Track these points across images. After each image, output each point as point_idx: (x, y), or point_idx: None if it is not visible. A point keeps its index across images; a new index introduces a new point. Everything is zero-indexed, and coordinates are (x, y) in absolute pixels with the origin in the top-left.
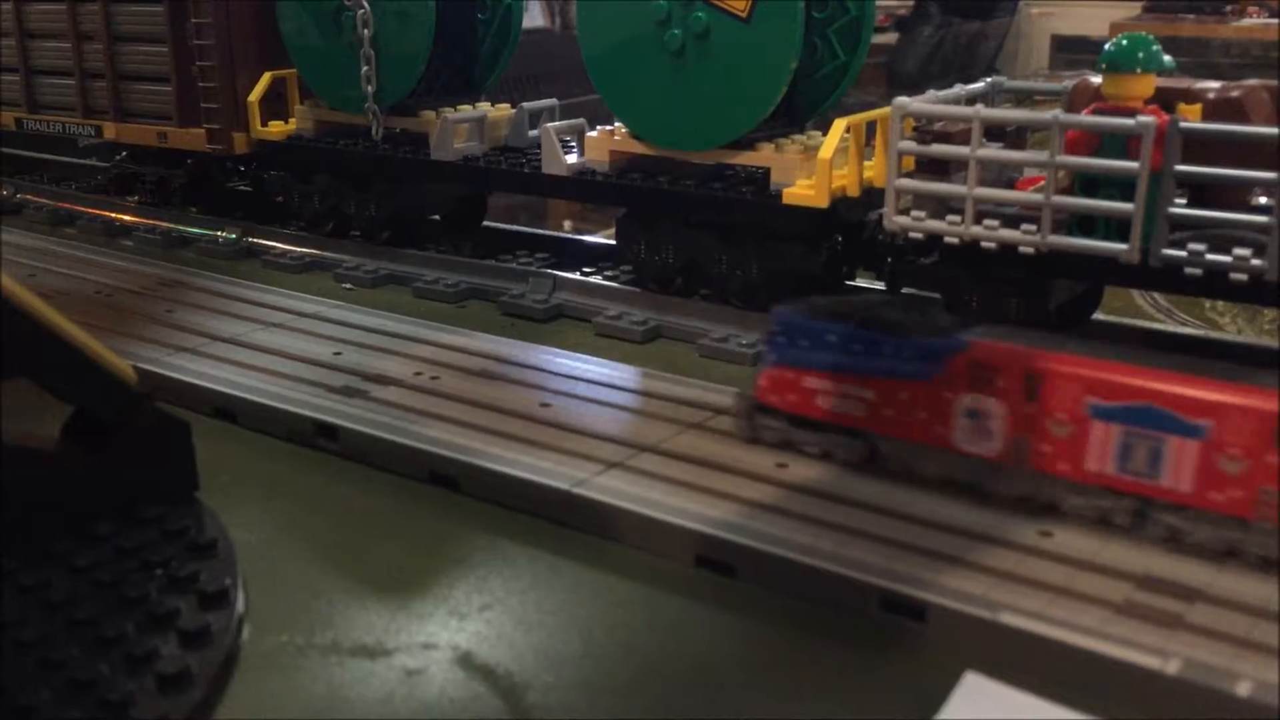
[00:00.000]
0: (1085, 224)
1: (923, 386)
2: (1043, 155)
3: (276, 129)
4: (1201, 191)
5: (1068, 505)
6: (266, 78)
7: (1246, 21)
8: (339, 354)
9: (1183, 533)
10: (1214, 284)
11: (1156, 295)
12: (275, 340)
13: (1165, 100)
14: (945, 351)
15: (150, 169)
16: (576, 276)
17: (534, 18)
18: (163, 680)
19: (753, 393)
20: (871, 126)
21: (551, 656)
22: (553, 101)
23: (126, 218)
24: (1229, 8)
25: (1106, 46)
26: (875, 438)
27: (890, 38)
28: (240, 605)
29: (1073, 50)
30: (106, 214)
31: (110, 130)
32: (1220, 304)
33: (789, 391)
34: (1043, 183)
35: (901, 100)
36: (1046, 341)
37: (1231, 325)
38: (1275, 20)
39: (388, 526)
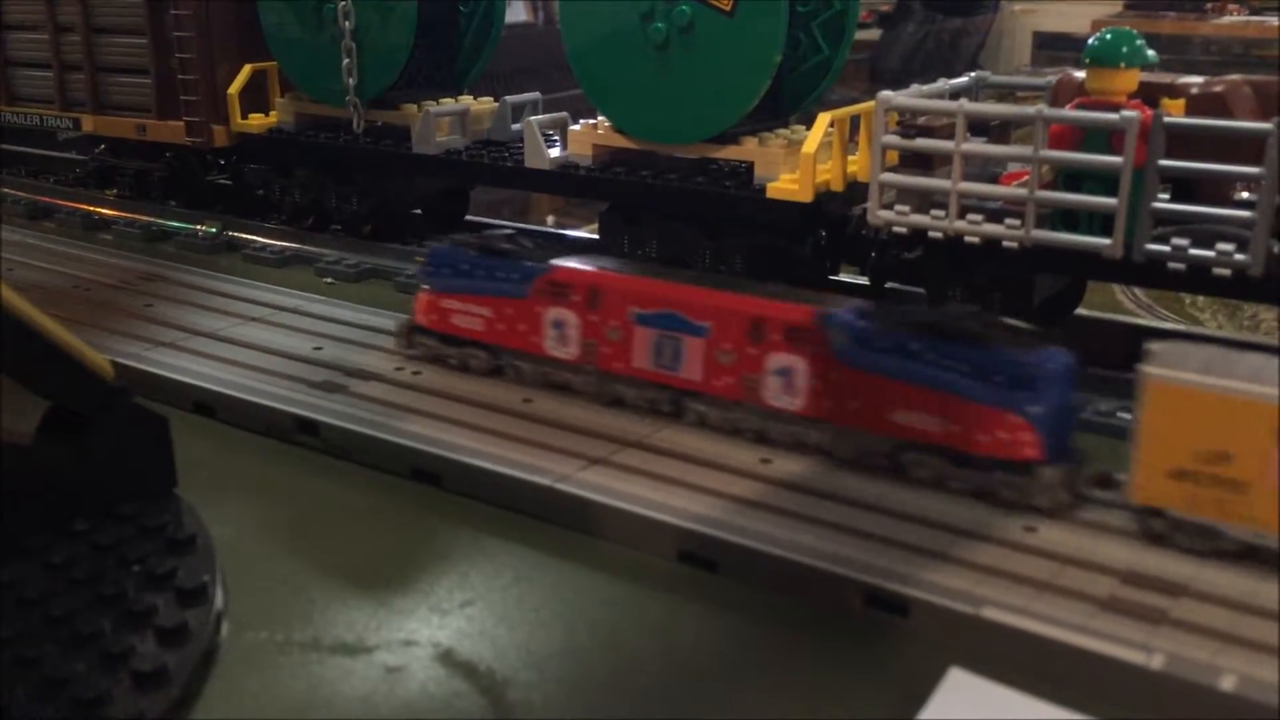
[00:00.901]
0: (1069, 219)
1: (521, 303)
2: (1026, 150)
3: (257, 122)
4: (1185, 186)
5: (628, 399)
6: (247, 70)
7: (1226, 19)
8: (320, 349)
9: (705, 416)
10: (1197, 279)
11: (1138, 291)
12: (255, 335)
13: (1149, 95)
14: (534, 273)
15: (129, 162)
16: None
17: (516, 13)
18: (139, 678)
19: (411, 316)
20: (856, 121)
21: (533, 653)
22: (536, 95)
23: (105, 211)
24: (1209, 5)
25: (1090, 41)
26: (494, 349)
27: (873, 34)
28: (219, 602)
29: (1054, 48)
30: (85, 207)
31: (89, 123)
32: (1201, 300)
33: (434, 313)
34: (1026, 178)
35: (886, 94)
36: (617, 265)
37: (1212, 321)
38: (1254, 18)
39: (368, 523)
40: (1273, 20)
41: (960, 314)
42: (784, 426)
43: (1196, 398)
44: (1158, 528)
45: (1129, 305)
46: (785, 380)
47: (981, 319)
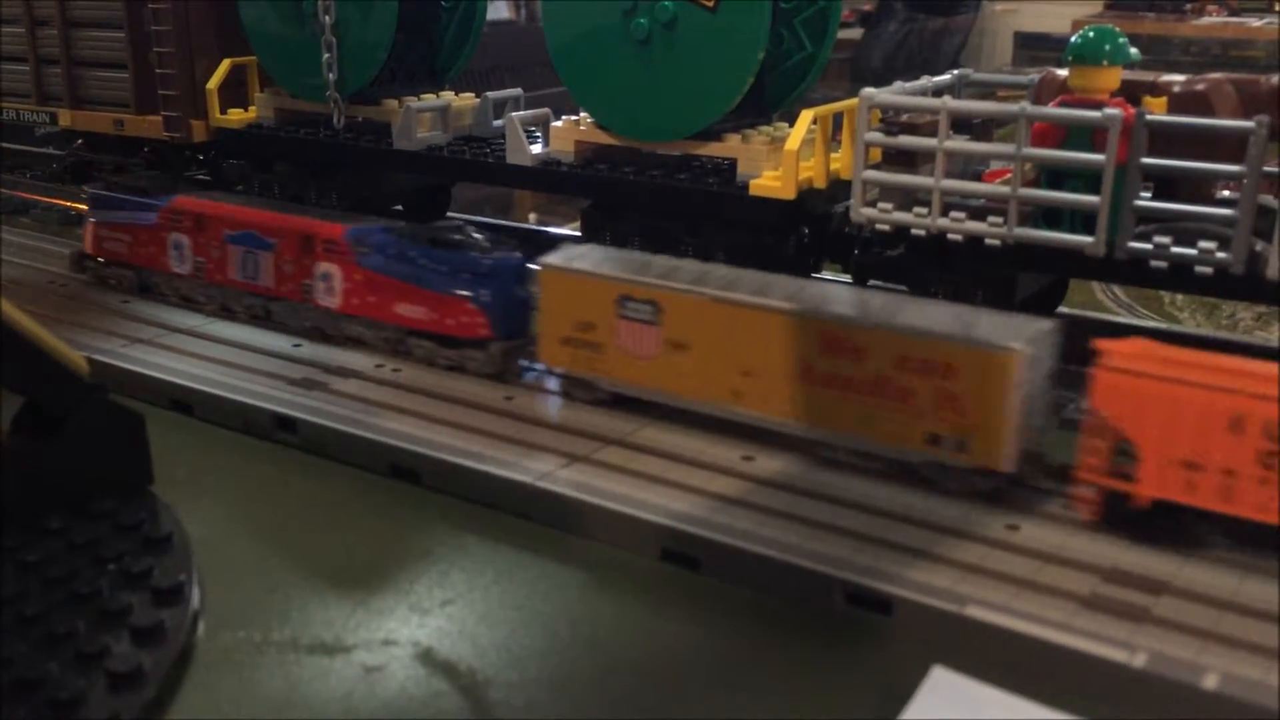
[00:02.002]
0: (1051, 217)
1: (151, 229)
2: (1009, 148)
3: (236, 117)
4: (1167, 185)
5: (238, 307)
6: (226, 65)
7: (1206, 20)
8: (298, 345)
9: (274, 313)
10: (1179, 277)
11: (1118, 290)
12: (233, 331)
13: (1131, 93)
14: (161, 204)
15: (107, 157)
16: None
17: (498, 10)
18: (114, 678)
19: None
20: (838, 118)
21: (514, 652)
22: (518, 91)
23: (82, 207)
24: (1189, 6)
25: (1073, 39)
26: (136, 268)
27: (855, 33)
28: (195, 601)
29: (1035, 47)
30: (62, 202)
31: (66, 117)
32: (1180, 299)
33: (96, 241)
34: (1009, 175)
35: (869, 91)
36: (225, 198)
37: (1190, 320)
38: (1233, 19)
39: (347, 521)
40: (1252, 21)
41: (445, 227)
42: (333, 321)
43: (570, 281)
44: (566, 388)
45: (1110, 305)
46: (327, 283)
47: (463, 231)
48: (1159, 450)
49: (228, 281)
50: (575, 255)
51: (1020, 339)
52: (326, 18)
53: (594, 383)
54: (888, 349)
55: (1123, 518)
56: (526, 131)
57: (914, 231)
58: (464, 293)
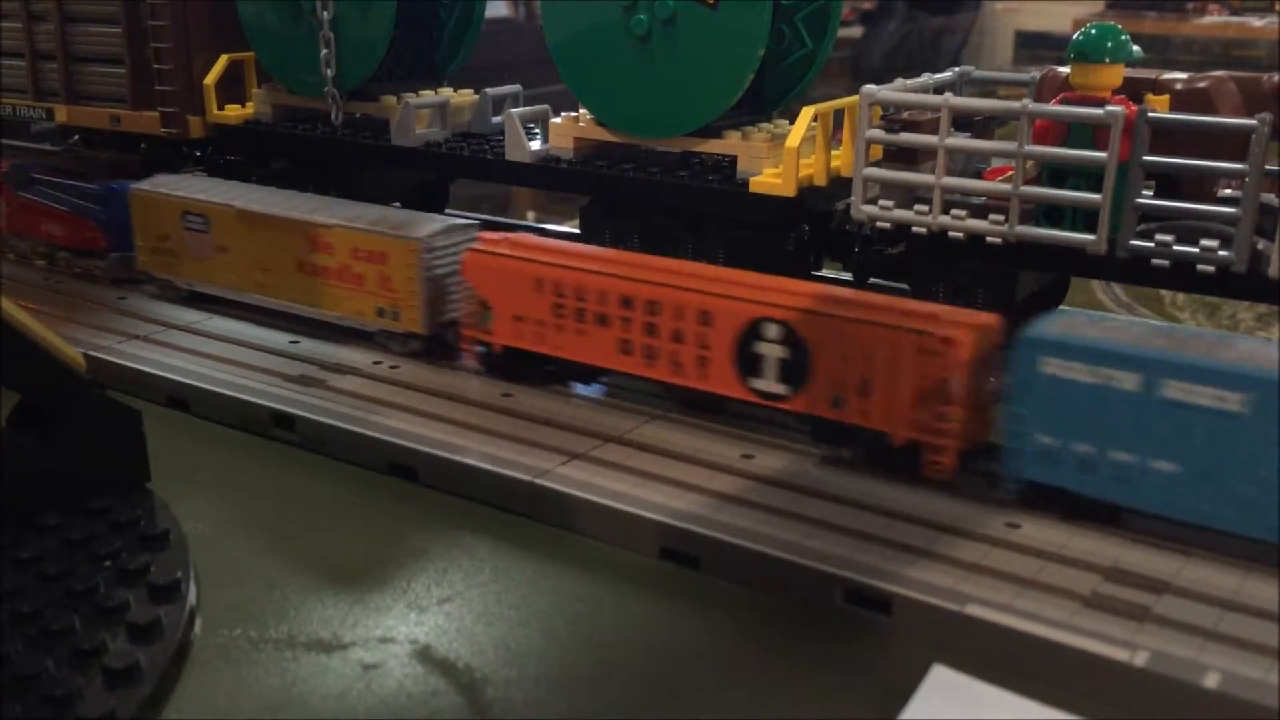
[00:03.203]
0: (1053, 214)
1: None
2: (1011, 145)
3: (233, 113)
4: (1169, 183)
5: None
6: (223, 60)
7: (1207, 20)
8: (296, 342)
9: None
10: (1181, 276)
11: (1118, 290)
12: (230, 328)
13: (1133, 91)
14: None
15: (103, 153)
16: None
17: (497, 9)
18: (111, 675)
19: None
20: (839, 115)
21: (512, 650)
22: (517, 88)
23: None
24: (1190, 5)
25: (1076, 36)
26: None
27: (855, 32)
28: (192, 598)
29: (1036, 46)
30: None
31: (62, 113)
32: (1180, 298)
33: None
34: (1010, 173)
35: (870, 88)
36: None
37: (1191, 320)
38: (1235, 18)
39: (345, 518)
40: (1254, 21)
41: (83, 159)
42: (3, 240)
43: (151, 200)
44: (158, 289)
45: (1110, 305)
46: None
47: (96, 164)
48: (503, 308)
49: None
50: (159, 182)
51: (425, 232)
52: (324, 13)
53: (174, 282)
54: (347, 244)
55: (491, 364)
56: (526, 128)
57: (915, 229)
58: (85, 213)
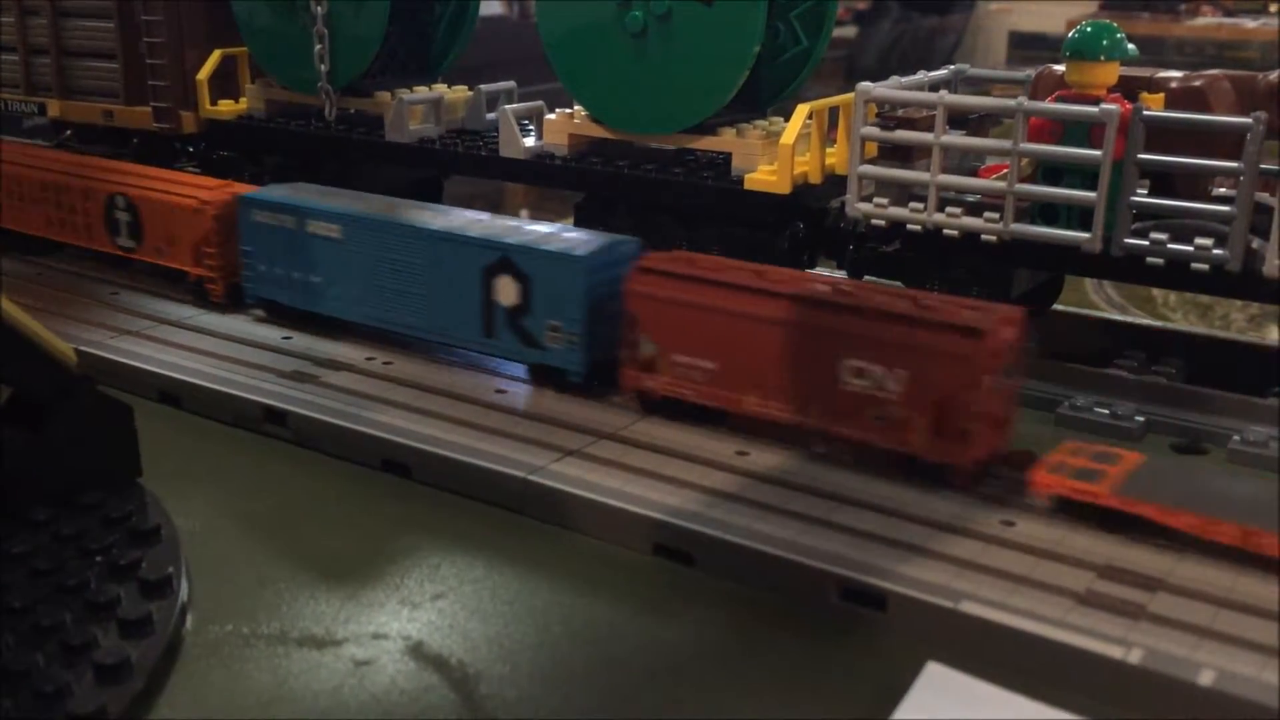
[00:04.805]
0: (1048, 213)
1: None
2: (1006, 143)
3: (226, 108)
4: (1164, 181)
5: None
6: (216, 55)
7: (1201, 21)
8: (289, 338)
9: None
10: (1175, 274)
11: (1110, 290)
12: (223, 323)
13: (1128, 89)
14: None
15: (96, 148)
16: None
17: (491, 6)
18: (101, 671)
19: None
20: (834, 113)
21: (506, 646)
22: (511, 84)
23: None
24: (1183, 6)
25: (1071, 34)
26: None
27: (849, 31)
28: (184, 594)
29: (1030, 47)
30: None
31: (54, 108)
32: (1173, 299)
33: None
34: (1006, 171)
35: (865, 85)
36: None
37: (1184, 320)
38: (1228, 20)
39: (338, 514)
40: (1247, 22)
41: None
42: None
43: None
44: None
45: (1102, 305)
46: None
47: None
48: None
49: None
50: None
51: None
52: (318, 8)
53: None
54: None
55: None
56: (520, 124)
57: (910, 227)
58: None
